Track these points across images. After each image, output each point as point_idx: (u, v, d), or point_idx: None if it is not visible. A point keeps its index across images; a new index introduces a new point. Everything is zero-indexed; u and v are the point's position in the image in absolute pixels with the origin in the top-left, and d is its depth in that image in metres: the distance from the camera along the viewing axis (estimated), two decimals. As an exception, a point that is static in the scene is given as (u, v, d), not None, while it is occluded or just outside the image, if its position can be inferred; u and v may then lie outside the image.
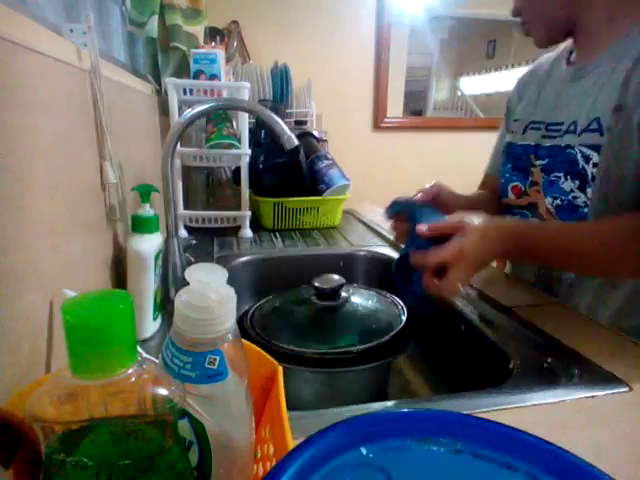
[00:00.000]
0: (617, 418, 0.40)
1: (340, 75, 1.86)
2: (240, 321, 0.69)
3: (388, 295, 0.74)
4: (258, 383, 0.33)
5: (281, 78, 1.51)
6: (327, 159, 1.05)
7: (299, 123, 1.37)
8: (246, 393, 0.28)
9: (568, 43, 0.74)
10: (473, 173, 2.36)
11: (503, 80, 2.08)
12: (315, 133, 1.24)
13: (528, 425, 0.25)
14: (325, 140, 1.35)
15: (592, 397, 0.43)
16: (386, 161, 2.00)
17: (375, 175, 2.00)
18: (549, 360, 0.50)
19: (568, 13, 0.66)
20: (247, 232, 1.04)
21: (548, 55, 0.80)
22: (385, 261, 0.91)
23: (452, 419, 0.25)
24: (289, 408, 0.29)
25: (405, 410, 0.26)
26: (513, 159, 0.77)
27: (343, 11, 1.81)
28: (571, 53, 0.73)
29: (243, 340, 0.28)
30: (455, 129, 2.07)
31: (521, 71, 0.84)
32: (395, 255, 0.91)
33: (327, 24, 1.80)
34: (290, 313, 0.71)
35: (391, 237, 1.00)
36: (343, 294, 0.71)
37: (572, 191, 0.65)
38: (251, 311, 0.72)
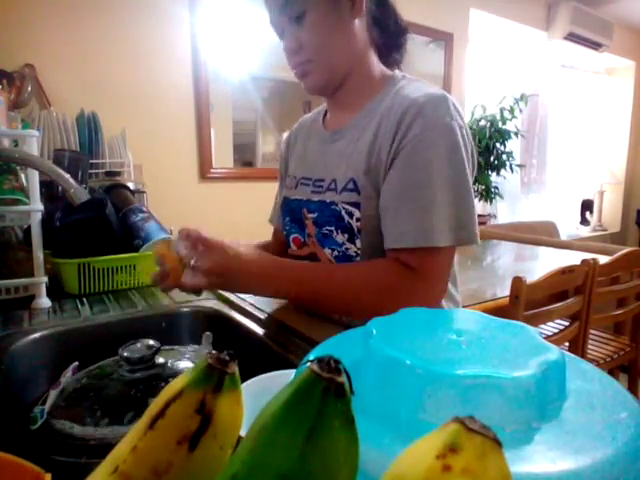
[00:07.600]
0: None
1: (160, 125, 1.80)
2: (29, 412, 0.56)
3: (214, 352, 0.69)
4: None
5: (89, 127, 1.38)
6: (142, 212, 0.98)
7: (111, 174, 1.26)
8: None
9: (323, 106, 0.84)
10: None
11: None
12: (130, 185, 1.15)
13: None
14: (143, 192, 1.26)
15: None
16: (215, 211, 1.98)
17: (204, 226, 1.96)
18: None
19: (349, 64, 0.70)
20: (43, 302, 0.87)
21: (306, 117, 0.89)
22: (211, 315, 0.87)
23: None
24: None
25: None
26: (290, 212, 0.80)
27: (156, 62, 1.79)
28: (325, 115, 0.81)
29: None
30: (282, 179, 2.20)
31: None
32: (220, 306, 0.87)
33: (139, 72, 1.75)
34: (97, 391, 0.61)
35: (220, 291, 0.96)
36: (160, 360, 0.64)
37: (344, 243, 0.70)
38: (44, 398, 0.60)
